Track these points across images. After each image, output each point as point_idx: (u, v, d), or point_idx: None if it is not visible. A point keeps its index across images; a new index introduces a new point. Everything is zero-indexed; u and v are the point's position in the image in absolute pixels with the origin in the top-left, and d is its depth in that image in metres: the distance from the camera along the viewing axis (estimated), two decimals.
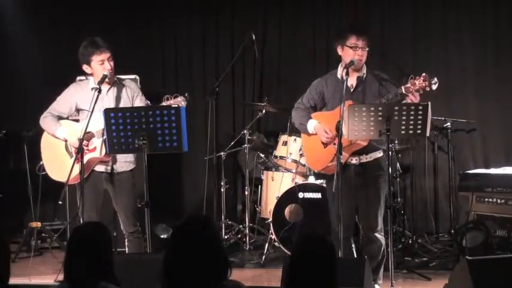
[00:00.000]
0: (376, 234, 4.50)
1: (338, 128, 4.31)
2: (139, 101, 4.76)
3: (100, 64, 4.64)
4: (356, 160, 4.47)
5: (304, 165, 5.76)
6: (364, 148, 4.42)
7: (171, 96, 4.52)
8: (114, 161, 4.72)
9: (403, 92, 4.20)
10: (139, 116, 4.25)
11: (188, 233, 2.59)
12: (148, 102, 4.80)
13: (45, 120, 4.79)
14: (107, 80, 4.64)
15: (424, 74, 4.15)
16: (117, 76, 4.83)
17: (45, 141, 4.87)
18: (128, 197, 4.75)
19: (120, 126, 4.26)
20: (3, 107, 7.16)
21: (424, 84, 4.12)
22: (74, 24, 7.21)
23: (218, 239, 2.67)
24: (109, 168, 4.72)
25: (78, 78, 6.04)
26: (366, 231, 4.57)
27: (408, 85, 4.17)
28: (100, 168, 4.73)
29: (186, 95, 4.55)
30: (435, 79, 4.12)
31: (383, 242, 4.51)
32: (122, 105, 4.71)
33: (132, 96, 4.77)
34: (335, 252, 2.74)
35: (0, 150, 6.58)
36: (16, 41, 7.19)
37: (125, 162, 4.75)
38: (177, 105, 4.29)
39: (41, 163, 5.01)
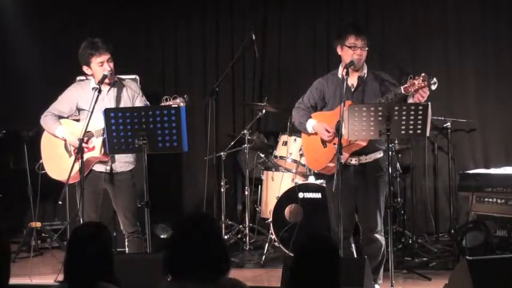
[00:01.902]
0: (376, 235, 4.49)
1: (338, 128, 4.32)
2: (140, 102, 4.76)
3: (99, 66, 4.65)
4: (356, 161, 4.47)
5: (304, 165, 5.76)
6: (364, 149, 4.41)
7: (170, 98, 4.51)
8: (113, 161, 4.72)
9: (402, 92, 4.19)
10: (140, 116, 4.25)
11: (188, 230, 2.60)
12: (148, 103, 4.80)
13: (46, 119, 4.80)
14: (106, 80, 4.64)
15: (423, 74, 4.14)
16: (118, 76, 4.84)
17: (46, 140, 4.87)
18: (128, 197, 4.74)
19: (120, 126, 4.26)
20: (3, 107, 7.16)
21: (423, 84, 4.11)
22: (74, 24, 7.21)
23: (218, 237, 2.67)
24: (108, 168, 4.72)
25: (78, 78, 6.03)
26: (366, 232, 4.56)
27: (407, 85, 4.16)
28: (99, 168, 4.74)
29: (186, 96, 4.54)
30: (434, 79, 4.11)
31: (383, 242, 4.50)
32: (122, 105, 4.71)
33: (133, 96, 4.77)
34: (338, 252, 2.74)
35: (0, 150, 6.58)
36: (16, 41, 7.19)
37: (124, 162, 4.75)
38: (176, 106, 4.29)
39: (41, 162, 5.01)
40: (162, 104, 4.50)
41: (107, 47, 4.66)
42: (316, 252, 2.65)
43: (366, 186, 4.49)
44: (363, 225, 4.61)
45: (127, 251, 4.80)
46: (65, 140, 4.74)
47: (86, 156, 4.59)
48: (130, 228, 4.76)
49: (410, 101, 4.22)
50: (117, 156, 4.68)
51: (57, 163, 4.76)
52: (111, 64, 4.68)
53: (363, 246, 4.63)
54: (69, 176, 4.45)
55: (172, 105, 4.37)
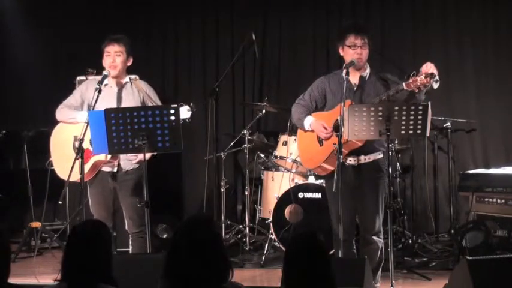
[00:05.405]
0: (374, 237, 4.44)
1: (336, 127, 4.31)
2: (150, 103, 4.75)
3: (106, 56, 4.71)
4: (354, 161, 4.44)
5: None
6: (363, 149, 4.39)
7: (177, 106, 4.48)
8: (120, 161, 4.71)
9: (404, 88, 4.16)
10: (139, 116, 4.25)
11: (188, 235, 2.60)
12: (159, 103, 4.77)
13: (62, 111, 4.79)
14: (113, 76, 4.66)
15: (426, 71, 4.14)
16: (130, 76, 4.85)
17: (54, 140, 4.86)
18: (132, 196, 4.73)
19: (120, 127, 4.25)
20: (3, 107, 7.16)
21: (425, 81, 4.10)
22: (74, 24, 7.21)
23: (219, 241, 2.67)
24: (115, 168, 4.73)
25: (78, 78, 6.05)
26: (363, 233, 4.52)
27: (410, 81, 4.15)
28: (106, 168, 4.75)
29: (192, 104, 4.52)
30: (437, 77, 4.11)
31: (380, 244, 4.45)
32: (130, 105, 4.70)
33: (143, 97, 4.78)
34: (325, 249, 2.73)
35: (0, 150, 6.58)
36: (16, 41, 7.19)
37: (129, 160, 4.73)
38: (176, 105, 4.28)
39: (50, 159, 4.99)
40: None
41: (118, 39, 4.69)
42: (302, 250, 2.66)
43: (365, 187, 4.46)
44: (360, 226, 4.58)
45: (131, 251, 4.80)
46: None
47: (93, 159, 4.61)
48: (135, 229, 4.76)
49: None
50: (123, 155, 4.67)
51: (66, 163, 4.73)
52: (118, 58, 4.69)
53: (360, 247, 4.60)
54: (69, 176, 4.44)
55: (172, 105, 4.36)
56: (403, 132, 4.18)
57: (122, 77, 4.81)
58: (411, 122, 4.12)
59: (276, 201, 5.77)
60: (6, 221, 6.54)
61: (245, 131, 6.24)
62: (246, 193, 6.30)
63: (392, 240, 4.28)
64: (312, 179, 5.79)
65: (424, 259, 5.65)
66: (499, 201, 5.58)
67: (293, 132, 5.83)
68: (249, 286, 2.86)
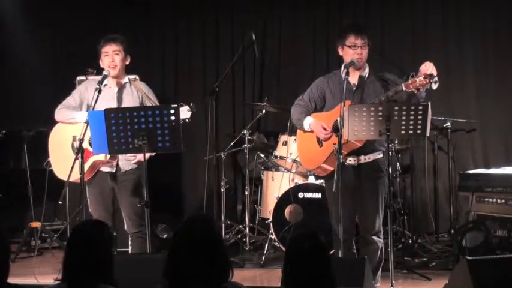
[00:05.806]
0: (374, 237, 4.44)
1: (336, 127, 4.31)
2: (149, 103, 4.75)
3: (104, 56, 4.69)
4: (354, 161, 4.44)
5: None
6: (363, 149, 4.39)
7: (177, 106, 4.49)
8: (119, 161, 4.71)
9: (403, 89, 4.17)
10: (139, 116, 4.24)
11: (188, 235, 2.60)
12: (157, 103, 4.77)
13: (61, 112, 4.79)
14: (113, 76, 4.65)
15: (425, 72, 4.15)
16: (129, 76, 4.84)
17: (53, 141, 4.85)
18: (131, 197, 4.73)
19: (120, 127, 4.25)
20: (3, 107, 7.16)
21: (424, 82, 4.10)
22: (74, 24, 7.21)
23: (219, 241, 2.67)
24: (114, 168, 4.73)
25: (78, 78, 6.04)
26: (363, 233, 4.53)
27: (409, 82, 4.16)
28: (105, 168, 4.74)
29: (192, 104, 4.52)
30: (436, 78, 4.12)
31: (379, 245, 4.45)
32: (130, 106, 4.70)
33: (142, 97, 4.77)
34: (325, 246, 2.73)
35: (0, 150, 6.58)
36: (16, 41, 7.19)
37: (127, 161, 4.73)
38: (176, 105, 4.29)
39: (48, 159, 4.99)
40: None
41: (115, 38, 4.69)
42: (302, 250, 2.66)
43: (364, 187, 4.46)
44: (360, 225, 4.58)
45: (130, 251, 4.80)
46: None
47: (92, 159, 4.61)
48: (134, 229, 4.76)
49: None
50: (122, 156, 4.67)
51: (64, 164, 4.73)
52: (116, 57, 4.68)
53: (360, 247, 4.60)
54: (69, 176, 4.44)
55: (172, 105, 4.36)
56: (403, 132, 4.18)
57: (121, 77, 4.81)
58: (411, 122, 4.12)
59: (276, 201, 5.77)
60: (6, 221, 6.54)
61: (245, 131, 6.24)
62: (246, 193, 6.30)
63: (392, 240, 4.28)
64: (312, 179, 5.79)
65: (424, 259, 5.66)
66: (499, 201, 5.58)
67: (293, 132, 5.83)
68: (249, 286, 2.85)
